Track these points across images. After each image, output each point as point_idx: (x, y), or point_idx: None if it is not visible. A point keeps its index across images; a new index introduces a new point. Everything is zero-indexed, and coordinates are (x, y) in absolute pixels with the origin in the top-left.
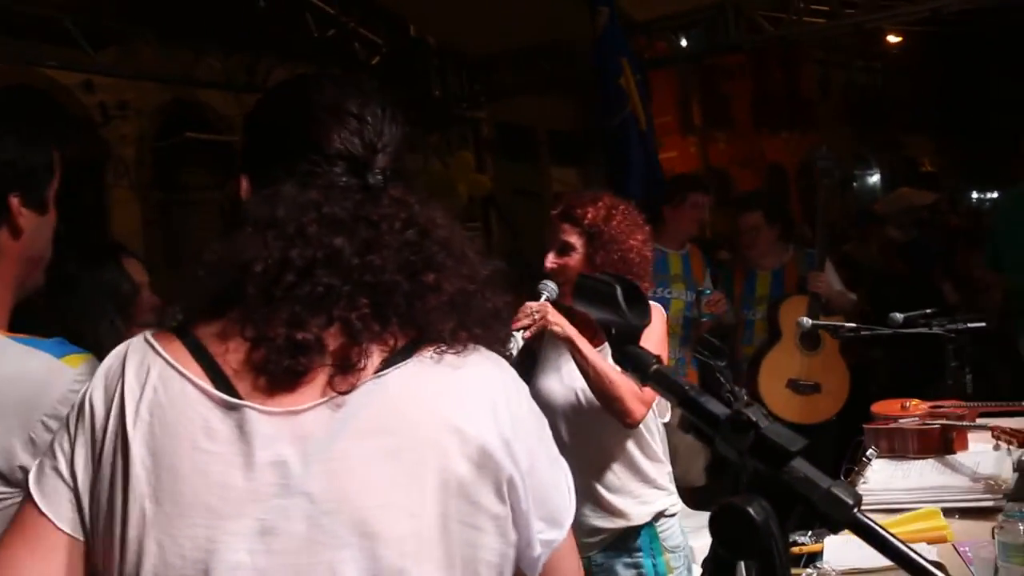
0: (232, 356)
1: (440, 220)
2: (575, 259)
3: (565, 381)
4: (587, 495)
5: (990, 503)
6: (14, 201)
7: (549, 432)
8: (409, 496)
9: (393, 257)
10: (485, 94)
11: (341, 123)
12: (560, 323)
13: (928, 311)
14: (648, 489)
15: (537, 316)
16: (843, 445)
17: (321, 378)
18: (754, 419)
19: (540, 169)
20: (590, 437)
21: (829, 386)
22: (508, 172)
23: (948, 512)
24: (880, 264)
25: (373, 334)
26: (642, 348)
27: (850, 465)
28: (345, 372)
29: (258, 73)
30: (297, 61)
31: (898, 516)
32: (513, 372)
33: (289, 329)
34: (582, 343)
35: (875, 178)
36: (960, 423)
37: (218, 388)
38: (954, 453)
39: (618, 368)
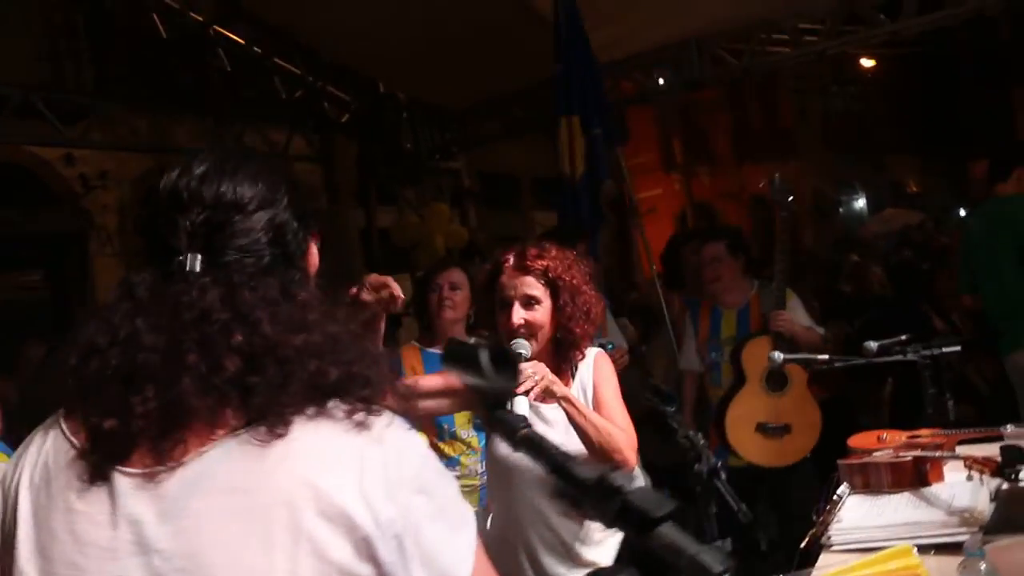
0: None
1: (271, 295)
2: (541, 313)
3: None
4: (567, 555)
5: (966, 537)
6: None
7: (450, 493)
8: (258, 555)
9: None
10: (459, 144)
11: (167, 209)
12: (557, 382)
13: (903, 337)
14: (606, 532)
15: (537, 378)
16: (824, 482)
17: (182, 439)
18: (618, 484)
19: (523, 215)
20: None
21: (800, 425)
22: (491, 220)
23: (924, 548)
24: (874, 292)
25: (221, 400)
26: (511, 412)
27: (823, 503)
28: (200, 434)
29: (230, 136)
30: (268, 122)
31: (871, 556)
32: (399, 432)
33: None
34: (576, 400)
35: (861, 202)
36: (933, 454)
37: (94, 451)
38: (929, 485)
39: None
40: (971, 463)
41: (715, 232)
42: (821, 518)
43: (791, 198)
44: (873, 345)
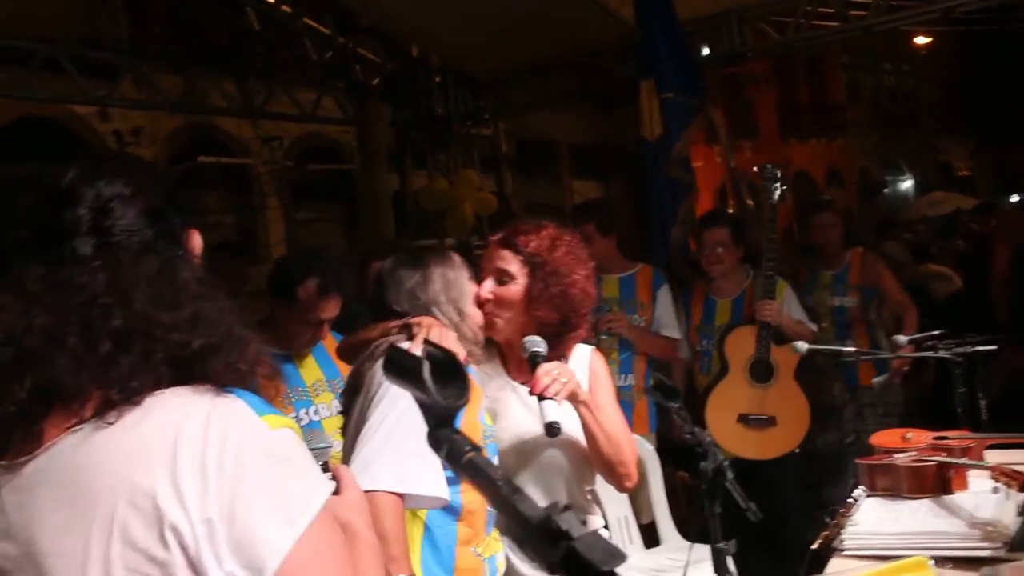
0: None
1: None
2: (513, 290)
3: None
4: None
5: (987, 553)
6: None
7: (282, 481)
8: (77, 543)
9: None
10: (491, 110)
11: (54, 201)
12: (580, 384)
13: (936, 332)
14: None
15: (564, 380)
16: (813, 480)
17: (48, 425)
18: (566, 528)
19: (562, 183)
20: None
21: (785, 418)
22: (527, 188)
23: (941, 561)
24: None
25: (92, 381)
26: (458, 432)
27: (836, 507)
28: (68, 418)
29: (259, 97)
30: (298, 84)
31: (882, 566)
32: (229, 415)
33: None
34: (593, 405)
35: (908, 184)
36: (958, 460)
37: None
38: (952, 493)
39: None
40: (998, 475)
41: (718, 217)
42: (836, 521)
43: (782, 187)
44: (903, 339)
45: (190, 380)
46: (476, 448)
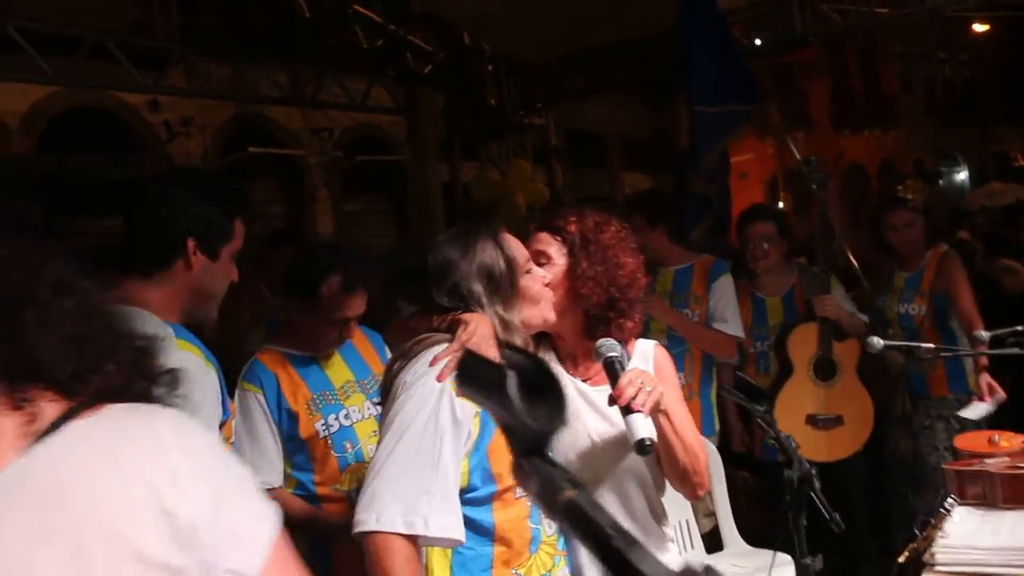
0: None
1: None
2: (553, 272)
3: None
4: None
5: None
6: (191, 243)
7: (242, 477)
8: (49, 557)
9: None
10: (545, 99)
11: None
12: (663, 393)
13: (1020, 328)
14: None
15: (649, 389)
16: (875, 483)
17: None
18: None
19: (611, 175)
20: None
21: (852, 416)
22: (578, 180)
23: None
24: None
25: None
26: (554, 464)
27: (926, 517)
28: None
29: (310, 86)
30: (348, 72)
31: None
32: (183, 419)
33: None
34: (671, 412)
35: (963, 175)
36: None
37: None
38: None
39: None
40: None
41: (761, 212)
42: (926, 534)
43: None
44: (984, 335)
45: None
46: (579, 485)
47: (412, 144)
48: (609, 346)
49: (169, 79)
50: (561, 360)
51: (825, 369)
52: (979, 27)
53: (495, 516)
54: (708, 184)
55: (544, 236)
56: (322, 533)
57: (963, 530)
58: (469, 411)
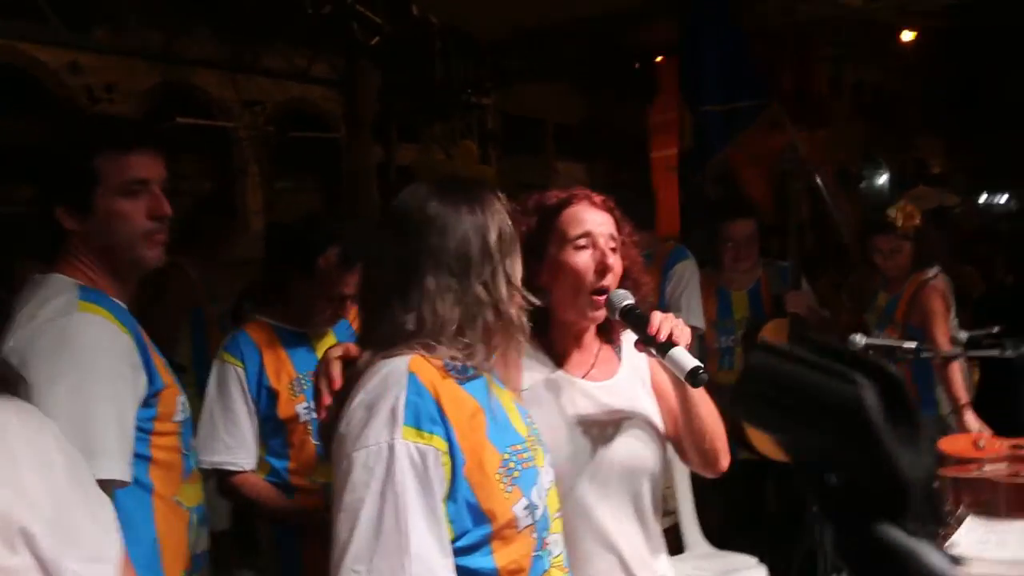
0: None
1: None
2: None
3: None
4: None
5: None
6: (60, 213)
7: (82, 469)
8: None
9: None
10: (492, 79)
11: None
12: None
13: (996, 330)
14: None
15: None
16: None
17: None
18: None
19: (546, 163)
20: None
21: None
22: (512, 164)
23: None
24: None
25: None
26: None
27: (932, 525)
28: None
29: (248, 54)
30: (293, 42)
31: None
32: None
33: None
34: None
35: (883, 179)
36: None
37: None
38: None
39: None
40: None
41: (746, 208)
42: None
43: (800, 171)
44: (963, 335)
45: None
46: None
47: (347, 122)
48: (621, 296)
49: (93, 38)
50: (555, 357)
51: None
52: (907, 35)
53: (497, 560)
54: (715, 185)
55: (610, 220)
56: (293, 526)
57: (969, 540)
58: (432, 452)
